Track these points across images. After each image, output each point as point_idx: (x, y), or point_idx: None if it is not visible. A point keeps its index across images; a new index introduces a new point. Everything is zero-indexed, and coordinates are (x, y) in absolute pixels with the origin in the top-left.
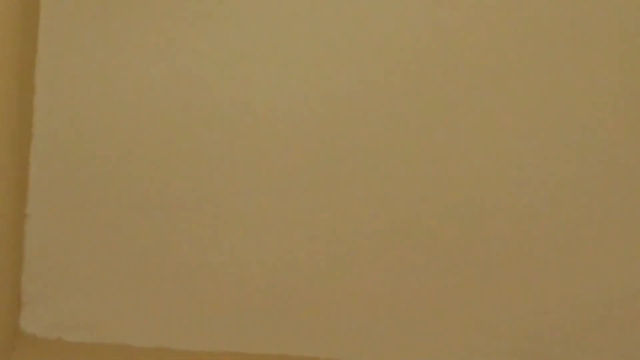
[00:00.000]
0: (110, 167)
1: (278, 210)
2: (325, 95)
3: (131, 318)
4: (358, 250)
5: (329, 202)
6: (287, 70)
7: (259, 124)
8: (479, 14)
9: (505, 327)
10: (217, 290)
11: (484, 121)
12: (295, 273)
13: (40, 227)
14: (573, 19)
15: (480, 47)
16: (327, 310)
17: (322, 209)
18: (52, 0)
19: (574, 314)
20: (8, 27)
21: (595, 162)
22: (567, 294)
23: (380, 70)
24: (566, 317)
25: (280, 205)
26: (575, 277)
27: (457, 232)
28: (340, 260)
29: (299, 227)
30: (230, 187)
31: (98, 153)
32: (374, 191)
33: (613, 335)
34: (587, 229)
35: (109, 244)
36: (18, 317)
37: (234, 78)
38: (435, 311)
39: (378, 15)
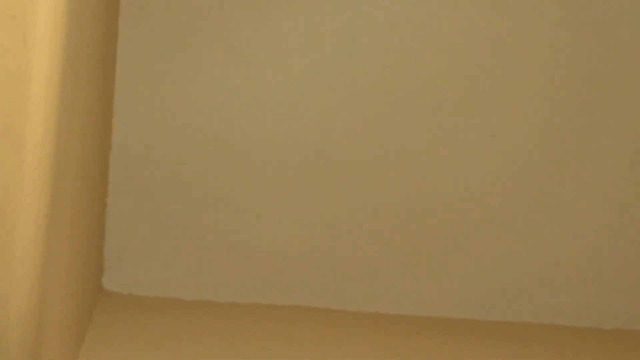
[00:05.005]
0: (168, 167)
1: (293, 198)
2: (324, 123)
3: (183, 278)
4: (349, 225)
5: (330, 193)
6: (298, 98)
7: (277, 136)
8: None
9: (454, 283)
10: (249, 258)
11: (447, 133)
12: (306, 243)
13: (117, 213)
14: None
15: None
16: (328, 268)
17: (324, 198)
18: (126, 47)
19: (507, 274)
20: (96, 68)
21: (524, 158)
22: (502, 259)
23: (368, 105)
24: (501, 276)
25: (294, 194)
26: (507, 246)
27: (419, 210)
28: (336, 233)
29: (308, 209)
30: (258, 181)
31: (160, 158)
32: (360, 184)
33: (540, 290)
34: (520, 211)
35: (167, 224)
36: (101, 278)
37: (261, 103)
38: (402, 269)
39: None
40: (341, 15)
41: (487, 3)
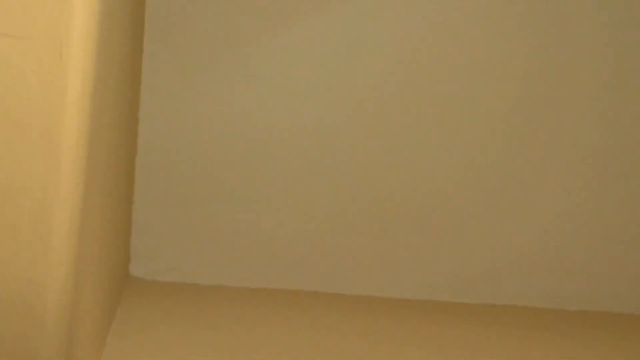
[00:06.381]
0: (187, 168)
1: (299, 194)
2: (327, 127)
3: (201, 265)
4: (349, 217)
5: (331, 191)
6: (303, 105)
7: (284, 140)
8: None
9: (440, 268)
10: (260, 247)
11: (437, 139)
12: (310, 235)
13: (142, 208)
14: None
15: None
16: (329, 256)
17: (326, 195)
18: (150, 62)
19: (485, 261)
20: (124, 80)
21: (502, 155)
22: (480, 249)
23: (364, 111)
24: (480, 263)
25: (300, 191)
26: (486, 238)
27: (411, 205)
28: (337, 225)
29: (313, 204)
30: (269, 179)
31: (180, 160)
32: (358, 182)
33: (522, 274)
34: (496, 208)
35: (186, 218)
36: (128, 266)
37: (270, 112)
38: (396, 257)
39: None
40: (345, 33)
41: (487, 9)
